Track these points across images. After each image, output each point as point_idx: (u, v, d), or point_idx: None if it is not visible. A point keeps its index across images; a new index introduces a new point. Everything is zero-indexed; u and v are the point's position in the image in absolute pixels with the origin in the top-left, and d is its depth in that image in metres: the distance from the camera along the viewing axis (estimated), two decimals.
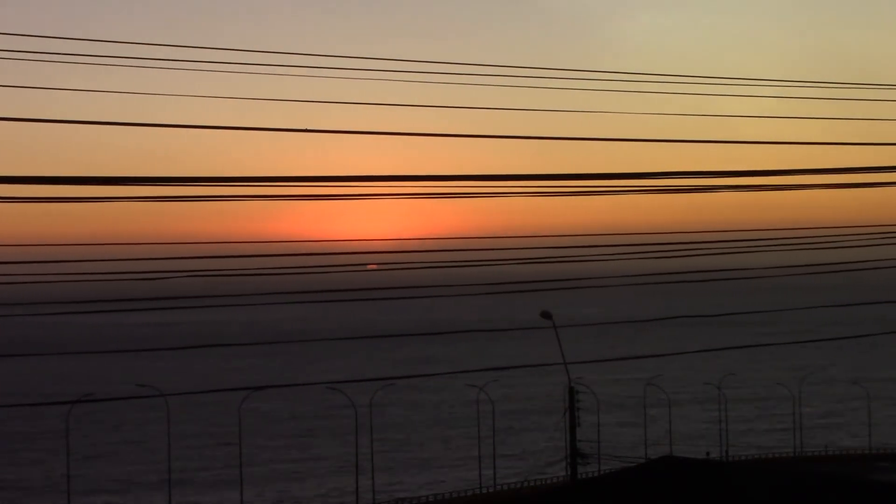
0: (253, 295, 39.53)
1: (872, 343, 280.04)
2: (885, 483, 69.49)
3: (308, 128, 25.96)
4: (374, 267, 34.56)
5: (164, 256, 30.64)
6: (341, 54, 31.45)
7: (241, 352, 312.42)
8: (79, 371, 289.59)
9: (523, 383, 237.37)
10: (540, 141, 28.64)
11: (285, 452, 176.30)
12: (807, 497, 52.69)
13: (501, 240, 38.02)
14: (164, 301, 37.30)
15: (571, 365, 72.95)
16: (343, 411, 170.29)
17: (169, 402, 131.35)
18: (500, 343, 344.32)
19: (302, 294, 37.43)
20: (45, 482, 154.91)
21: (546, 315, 72.34)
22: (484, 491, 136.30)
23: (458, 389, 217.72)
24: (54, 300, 40.52)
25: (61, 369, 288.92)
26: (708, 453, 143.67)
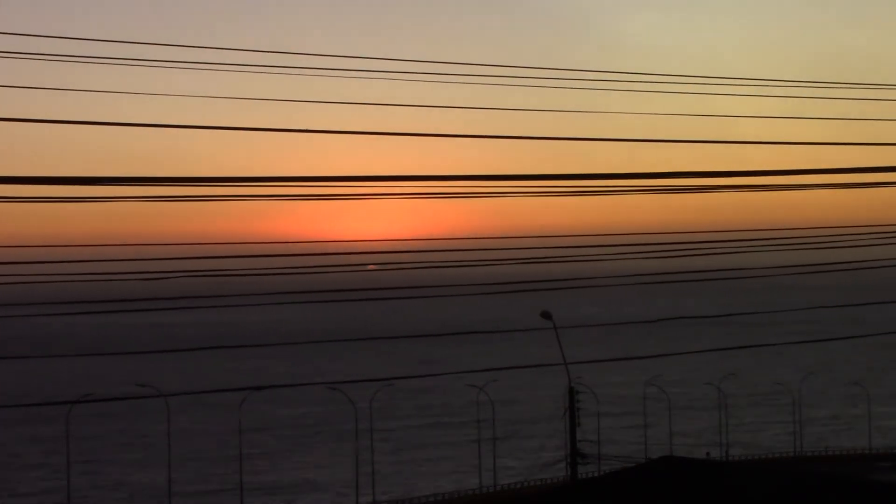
0: (253, 295, 39.53)
1: (873, 343, 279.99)
2: (885, 483, 69.41)
3: (308, 128, 25.99)
4: (374, 267, 34.56)
5: (165, 256, 30.62)
6: (341, 54, 31.44)
7: (241, 352, 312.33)
8: (79, 371, 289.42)
9: (523, 383, 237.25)
10: (540, 141, 28.63)
11: (285, 453, 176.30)
12: (807, 497, 52.66)
13: (501, 240, 38.01)
14: (164, 301, 37.27)
15: (572, 365, 72.93)
16: (343, 411, 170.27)
17: (169, 402, 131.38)
18: (501, 343, 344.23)
19: (302, 294, 37.43)
20: (45, 482, 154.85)
21: (546, 315, 72.30)
22: (484, 491, 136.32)
23: (458, 389, 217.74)
24: (54, 300, 40.52)
25: (61, 369, 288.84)
26: (708, 453, 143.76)
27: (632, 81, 37.24)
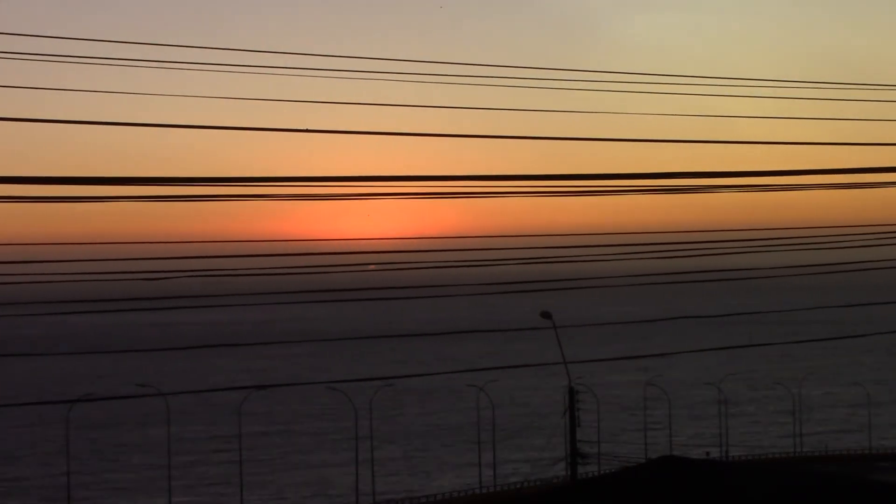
0: (253, 295, 39.52)
1: (873, 343, 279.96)
2: (885, 483, 69.41)
3: (308, 128, 25.99)
4: (375, 267, 34.56)
5: (165, 256, 30.64)
6: (341, 54, 31.46)
7: (241, 352, 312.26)
8: (79, 371, 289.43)
9: (523, 383, 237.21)
10: (540, 141, 28.65)
11: (285, 452, 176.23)
12: (807, 497, 52.67)
13: (501, 240, 38.01)
14: (164, 301, 37.28)
15: (572, 365, 72.94)
16: (343, 411, 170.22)
17: (169, 402, 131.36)
18: (501, 343, 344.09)
19: (302, 294, 37.43)
20: (45, 482, 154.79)
21: (546, 315, 72.32)
22: (484, 491, 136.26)
23: (458, 389, 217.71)
24: (54, 300, 40.51)
25: (61, 369, 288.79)
26: (708, 453, 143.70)
27: (632, 81, 37.26)
